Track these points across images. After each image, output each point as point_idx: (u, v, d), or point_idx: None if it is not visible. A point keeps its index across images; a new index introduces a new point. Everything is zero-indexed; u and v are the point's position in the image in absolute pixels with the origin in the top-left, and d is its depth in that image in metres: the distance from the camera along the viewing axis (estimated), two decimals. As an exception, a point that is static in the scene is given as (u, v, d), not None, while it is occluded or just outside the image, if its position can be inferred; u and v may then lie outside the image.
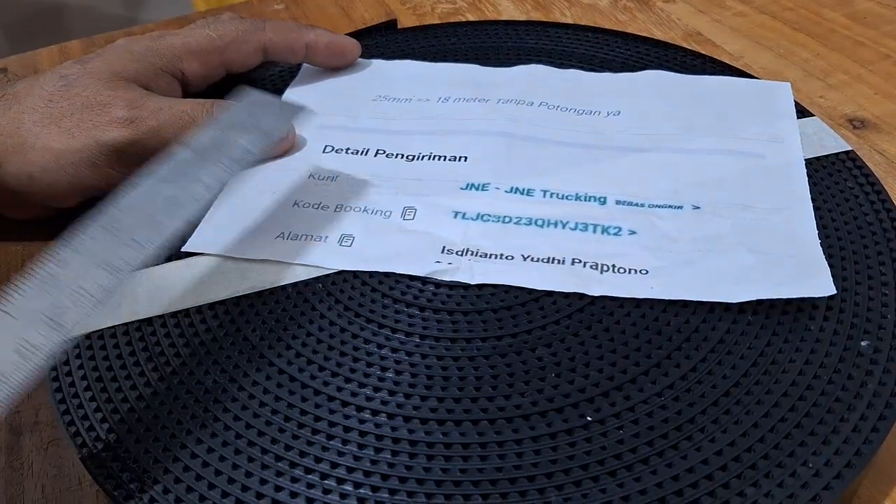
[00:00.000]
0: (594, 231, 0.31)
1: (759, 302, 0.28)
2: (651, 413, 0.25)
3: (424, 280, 0.29)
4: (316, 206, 0.33)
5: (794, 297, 0.28)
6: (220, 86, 0.38)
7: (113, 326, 0.28)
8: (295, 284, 0.29)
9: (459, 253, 0.30)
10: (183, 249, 0.31)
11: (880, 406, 0.25)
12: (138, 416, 0.25)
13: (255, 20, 0.38)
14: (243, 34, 0.37)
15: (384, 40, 0.44)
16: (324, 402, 0.25)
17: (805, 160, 0.34)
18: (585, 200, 0.32)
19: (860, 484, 0.25)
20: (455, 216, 0.32)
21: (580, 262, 0.29)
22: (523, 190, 0.33)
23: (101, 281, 0.23)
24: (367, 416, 0.25)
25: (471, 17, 0.51)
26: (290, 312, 0.28)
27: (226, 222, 0.32)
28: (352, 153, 0.35)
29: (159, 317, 0.29)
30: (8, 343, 0.22)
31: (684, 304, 0.28)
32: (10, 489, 0.26)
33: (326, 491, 0.23)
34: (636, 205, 0.32)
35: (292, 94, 0.40)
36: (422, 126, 0.37)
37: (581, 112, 0.37)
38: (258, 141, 0.29)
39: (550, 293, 0.29)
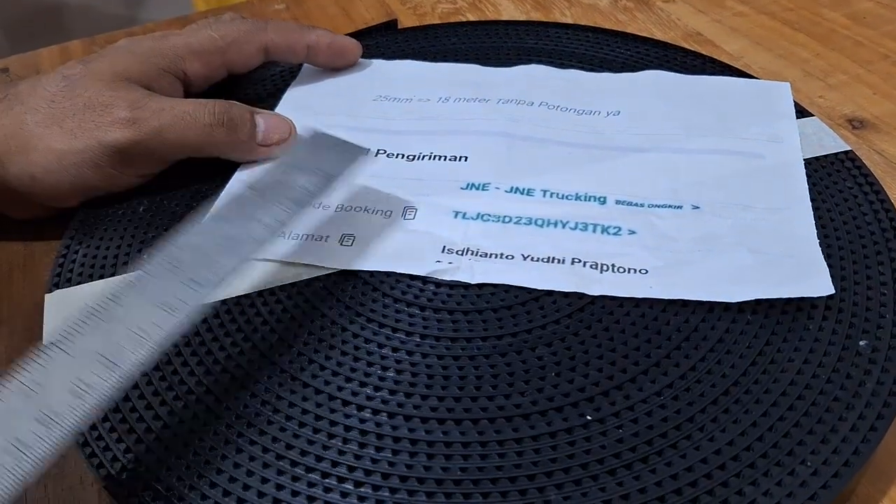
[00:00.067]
0: (594, 231, 0.31)
1: (758, 301, 0.28)
2: (650, 412, 0.25)
3: (425, 280, 0.29)
4: (316, 205, 0.33)
5: (793, 296, 0.28)
6: (222, 86, 0.39)
7: (115, 326, 0.28)
8: (295, 284, 0.30)
9: (460, 252, 0.30)
10: (184, 249, 0.31)
11: (878, 405, 0.25)
12: (139, 416, 0.25)
13: (256, 21, 0.38)
14: (245, 35, 0.37)
15: (384, 40, 0.44)
16: (325, 401, 0.26)
17: (804, 160, 0.34)
18: (585, 200, 0.32)
19: (858, 482, 0.25)
20: (455, 216, 0.32)
21: (580, 261, 0.30)
22: (523, 190, 0.33)
23: (158, 321, 0.23)
24: (368, 415, 0.25)
25: (471, 17, 0.51)
26: (291, 312, 0.29)
27: (227, 222, 0.32)
28: (352, 153, 0.36)
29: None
30: (63, 382, 0.21)
31: (684, 303, 0.28)
32: (13, 488, 0.27)
33: (327, 490, 0.23)
34: (636, 205, 0.32)
35: (293, 93, 0.40)
36: (422, 126, 0.37)
37: (581, 112, 0.37)
38: (319, 183, 0.29)
39: (550, 293, 0.29)
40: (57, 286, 0.30)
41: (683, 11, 0.50)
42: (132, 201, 0.34)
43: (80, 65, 0.33)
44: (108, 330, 0.22)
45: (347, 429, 0.25)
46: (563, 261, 0.30)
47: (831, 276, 0.28)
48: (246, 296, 0.29)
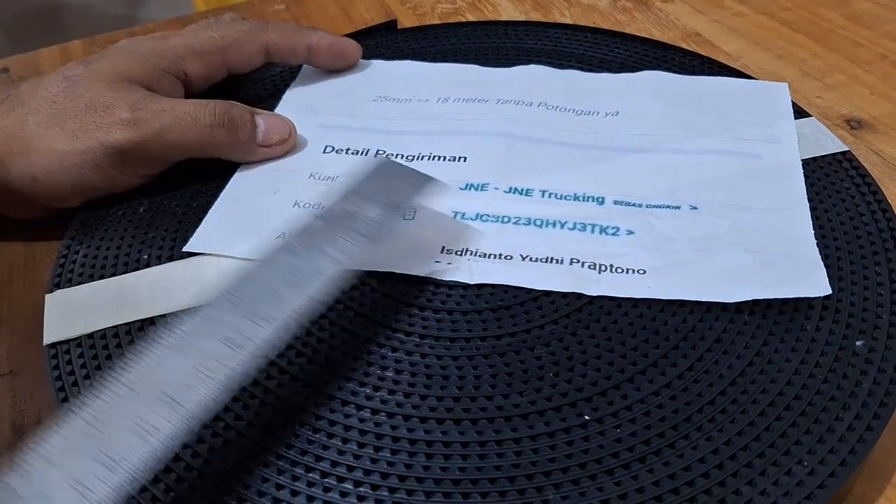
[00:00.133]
0: (592, 231, 0.31)
1: (756, 302, 0.28)
2: (648, 412, 0.25)
3: (424, 280, 0.30)
4: (316, 206, 0.33)
5: (791, 297, 0.28)
6: (222, 86, 0.39)
7: (115, 326, 0.28)
8: (295, 284, 0.30)
9: (459, 253, 0.30)
10: (184, 249, 0.31)
11: (875, 405, 0.25)
12: (141, 415, 0.25)
13: (257, 22, 0.38)
14: (245, 35, 0.37)
15: (384, 40, 0.45)
16: (323, 400, 0.26)
17: (802, 160, 0.34)
18: (584, 200, 0.33)
19: (855, 482, 0.25)
20: (454, 216, 0.32)
21: (578, 261, 0.30)
22: (522, 190, 0.33)
23: (223, 358, 0.22)
24: (367, 414, 0.25)
25: (470, 18, 0.51)
26: (291, 312, 0.29)
27: (227, 222, 0.32)
28: (352, 153, 0.36)
29: (161, 316, 0.29)
30: (125, 422, 0.20)
31: (681, 303, 0.28)
32: (14, 487, 0.27)
33: (327, 489, 0.23)
34: (634, 205, 0.32)
35: (293, 94, 0.40)
36: (421, 126, 0.37)
37: (580, 112, 0.38)
38: (387, 215, 0.28)
39: (549, 293, 0.29)
40: (58, 286, 0.30)
41: (682, 11, 0.50)
42: (132, 202, 0.34)
43: (81, 66, 0.33)
44: (172, 365, 0.22)
45: (346, 428, 0.25)
46: (562, 261, 0.30)
47: (828, 276, 0.29)
48: (246, 296, 0.29)
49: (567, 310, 0.28)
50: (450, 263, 0.30)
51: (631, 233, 0.31)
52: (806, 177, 0.33)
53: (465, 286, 0.29)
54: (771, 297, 0.28)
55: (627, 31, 0.47)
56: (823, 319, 0.28)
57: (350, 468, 0.24)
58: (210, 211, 0.33)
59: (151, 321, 0.29)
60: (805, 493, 0.23)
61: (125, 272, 0.31)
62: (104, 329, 0.28)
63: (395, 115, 0.38)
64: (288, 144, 0.35)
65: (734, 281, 0.29)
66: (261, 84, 0.41)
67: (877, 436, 0.24)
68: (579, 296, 0.29)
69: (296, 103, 0.39)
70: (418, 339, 0.28)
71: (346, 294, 0.29)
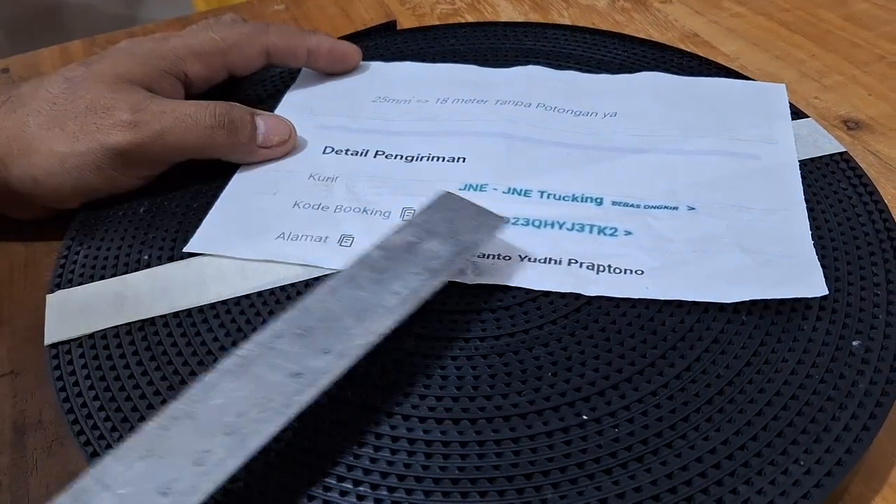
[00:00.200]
0: (590, 231, 0.31)
1: (753, 302, 0.28)
2: (646, 412, 0.25)
3: (423, 280, 0.30)
4: (316, 206, 0.33)
5: (788, 297, 0.28)
6: (222, 87, 0.39)
7: (116, 326, 0.29)
8: (295, 284, 0.30)
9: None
10: (185, 250, 0.31)
11: (871, 405, 0.25)
12: (141, 415, 0.26)
13: (257, 24, 0.39)
14: (246, 37, 0.37)
15: (384, 41, 0.45)
16: (323, 400, 0.26)
17: (799, 161, 0.34)
18: (582, 201, 0.33)
19: (851, 481, 0.25)
20: (453, 217, 0.32)
21: (577, 262, 0.30)
22: (521, 191, 0.33)
23: (288, 392, 0.22)
24: (367, 414, 0.25)
25: (469, 18, 0.51)
26: (291, 312, 0.29)
27: (227, 223, 0.32)
28: (351, 154, 0.36)
29: (161, 316, 0.29)
30: (187, 451, 0.20)
31: (679, 304, 0.28)
32: (15, 487, 0.27)
33: (327, 489, 0.24)
34: (632, 205, 0.32)
35: (292, 95, 0.40)
36: (421, 127, 0.37)
37: (578, 113, 0.38)
38: (455, 251, 0.27)
39: (547, 293, 0.29)
40: (58, 287, 0.31)
41: (681, 12, 0.50)
42: (133, 202, 0.34)
43: (82, 67, 0.34)
44: (234, 394, 0.22)
45: (346, 428, 0.25)
46: (560, 261, 0.30)
47: (825, 276, 0.29)
48: (246, 296, 0.29)
49: (565, 310, 0.28)
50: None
51: (629, 233, 0.31)
52: (803, 177, 0.33)
53: (464, 286, 0.29)
54: (768, 298, 0.28)
55: (626, 31, 0.47)
56: (820, 320, 0.28)
57: (350, 468, 0.24)
58: (210, 211, 0.33)
59: (152, 322, 0.29)
60: (802, 492, 0.23)
61: (126, 273, 0.31)
62: (105, 329, 0.29)
63: (395, 116, 0.38)
64: (288, 146, 0.36)
65: (731, 281, 0.29)
66: (261, 85, 0.41)
67: (873, 435, 0.24)
68: (577, 296, 0.29)
69: (296, 104, 0.39)
70: (417, 339, 0.28)
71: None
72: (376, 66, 0.42)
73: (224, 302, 0.29)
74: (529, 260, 0.30)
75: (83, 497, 0.19)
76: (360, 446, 0.24)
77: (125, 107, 0.32)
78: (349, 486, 0.24)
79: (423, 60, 0.42)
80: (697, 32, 0.48)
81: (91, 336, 0.28)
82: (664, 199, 0.32)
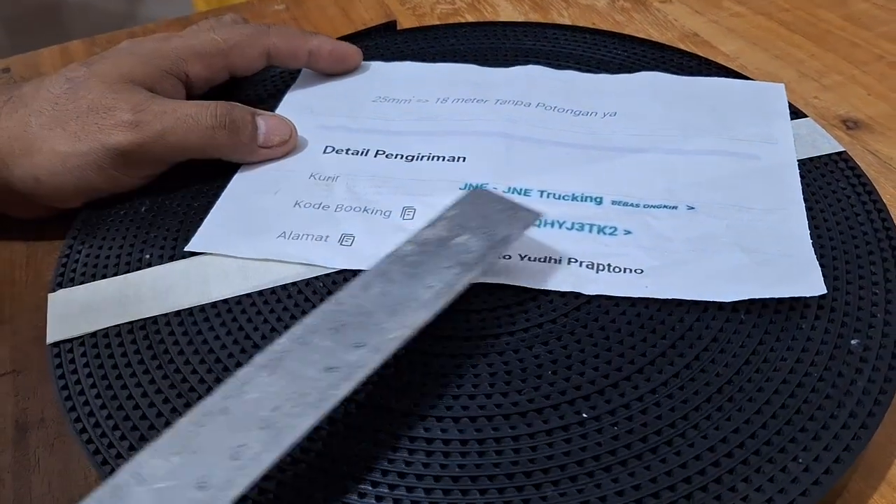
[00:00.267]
0: (590, 231, 0.31)
1: (752, 301, 0.28)
2: (645, 410, 0.25)
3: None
4: (317, 206, 0.33)
5: (786, 296, 0.28)
6: (222, 86, 0.39)
7: (118, 325, 0.29)
8: (296, 283, 0.30)
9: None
10: (186, 249, 0.31)
11: (869, 403, 0.25)
12: (143, 414, 0.26)
13: (259, 25, 0.39)
14: (248, 38, 0.37)
15: (384, 41, 0.45)
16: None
17: (798, 161, 0.34)
18: (582, 200, 0.33)
19: (849, 479, 0.25)
20: (454, 216, 0.32)
21: (576, 261, 0.30)
22: (520, 190, 0.33)
23: (323, 386, 0.22)
24: (366, 413, 0.25)
25: (469, 18, 0.52)
26: (292, 311, 0.29)
27: (228, 222, 0.33)
28: (352, 153, 0.36)
29: (163, 316, 0.29)
30: (222, 447, 0.20)
31: (678, 303, 0.28)
32: (17, 485, 0.27)
33: (326, 486, 0.24)
34: (632, 205, 0.32)
35: (293, 95, 0.40)
36: (421, 127, 0.37)
37: (578, 113, 0.38)
38: (488, 246, 0.27)
39: (547, 292, 0.29)
40: (60, 286, 0.31)
41: (680, 12, 0.51)
42: (134, 201, 0.34)
43: (83, 67, 0.34)
44: (269, 388, 0.22)
45: (346, 427, 0.25)
46: (560, 260, 0.30)
47: (824, 276, 0.29)
48: (247, 295, 0.30)
49: (565, 309, 0.29)
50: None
51: (628, 233, 0.31)
52: (802, 177, 0.33)
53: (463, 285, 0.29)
54: (767, 297, 0.28)
55: (625, 31, 0.47)
56: (819, 318, 0.28)
57: (349, 466, 0.24)
58: (211, 211, 0.33)
59: (153, 320, 0.29)
60: (800, 489, 0.23)
61: (127, 272, 0.31)
62: (106, 328, 0.29)
63: (395, 116, 0.38)
64: (288, 145, 0.36)
65: (730, 280, 0.29)
66: (261, 85, 0.42)
67: (871, 433, 0.24)
68: (577, 295, 0.29)
69: (296, 104, 0.39)
70: (416, 338, 0.28)
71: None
72: (376, 65, 0.42)
73: (225, 301, 0.29)
74: (529, 259, 0.30)
75: (120, 492, 0.19)
76: (359, 444, 0.25)
77: (126, 107, 0.32)
78: (348, 484, 0.24)
79: (424, 60, 0.42)
80: (697, 32, 0.48)
81: (93, 335, 0.29)
82: (663, 199, 0.33)
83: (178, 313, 0.29)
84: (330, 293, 0.29)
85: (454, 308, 0.28)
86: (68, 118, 0.32)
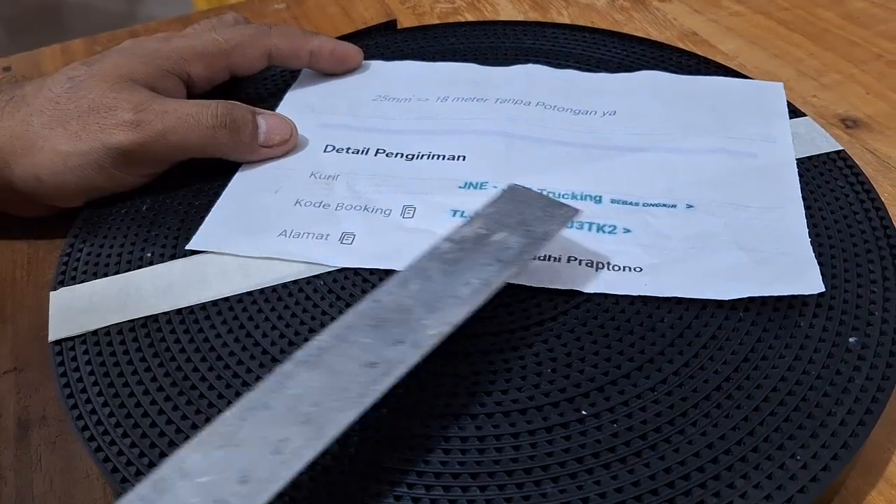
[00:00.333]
0: (589, 229, 0.31)
1: (751, 299, 0.28)
2: (644, 407, 0.25)
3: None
4: (317, 204, 0.33)
5: (785, 294, 0.28)
6: (223, 85, 0.39)
7: (119, 323, 0.29)
8: (297, 282, 0.30)
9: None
10: (187, 248, 0.31)
11: (867, 401, 0.25)
12: (144, 411, 0.26)
13: (260, 25, 0.39)
14: (249, 39, 0.38)
15: (384, 40, 0.45)
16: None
17: (797, 159, 0.34)
18: (581, 199, 0.33)
19: (847, 476, 0.26)
20: (454, 214, 0.32)
21: (575, 259, 0.30)
22: (520, 189, 0.33)
23: (364, 381, 0.22)
24: (367, 412, 0.26)
25: (469, 17, 0.52)
26: (293, 309, 0.29)
27: (229, 221, 0.33)
28: (352, 152, 0.36)
29: (164, 313, 0.29)
30: (265, 441, 0.20)
31: (677, 301, 0.29)
32: (19, 482, 0.27)
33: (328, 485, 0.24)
34: (631, 203, 0.33)
35: (294, 94, 0.40)
36: (421, 125, 0.38)
37: (577, 112, 0.38)
38: (526, 243, 0.27)
39: (546, 290, 0.29)
40: (62, 284, 0.31)
41: (680, 11, 0.51)
42: (135, 200, 0.34)
43: (85, 66, 0.34)
44: (310, 384, 0.22)
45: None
46: (559, 258, 0.30)
47: (822, 274, 0.29)
48: (247, 293, 0.30)
49: (565, 307, 0.29)
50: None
51: (628, 231, 0.31)
52: (801, 176, 0.34)
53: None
54: (765, 295, 0.28)
55: (625, 30, 0.48)
56: (817, 316, 0.28)
57: (350, 464, 0.24)
58: (212, 209, 0.33)
59: (154, 319, 0.29)
60: (798, 486, 0.23)
61: (129, 270, 0.31)
62: (108, 326, 0.29)
63: (395, 115, 0.38)
64: (289, 145, 0.36)
65: (729, 278, 0.29)
66: (262, 84, 0.42)
67: (869, 430, 0.24)
68: (576, 293, 0.29)
69: (297, 103, 0.39)
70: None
71: (347, 291, 0.30)
72: (377, 65, 0.42)
73: (226, 299, 0.30)
74: (529, 257, 0.30)
75: (162, 485, 0.19)
76: (361, 443, 0.25)
77: (127, 106, 0.32)
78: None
79: (424, 59, 0.42)
80: (696, 31, 0.49)
81: (94, 333, 0.29)
82: (663, 197, 0.33)
83: (179, 311, 0.29)
84: (331, 291, 0.30)
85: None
86: (69, 117, 0.32)
